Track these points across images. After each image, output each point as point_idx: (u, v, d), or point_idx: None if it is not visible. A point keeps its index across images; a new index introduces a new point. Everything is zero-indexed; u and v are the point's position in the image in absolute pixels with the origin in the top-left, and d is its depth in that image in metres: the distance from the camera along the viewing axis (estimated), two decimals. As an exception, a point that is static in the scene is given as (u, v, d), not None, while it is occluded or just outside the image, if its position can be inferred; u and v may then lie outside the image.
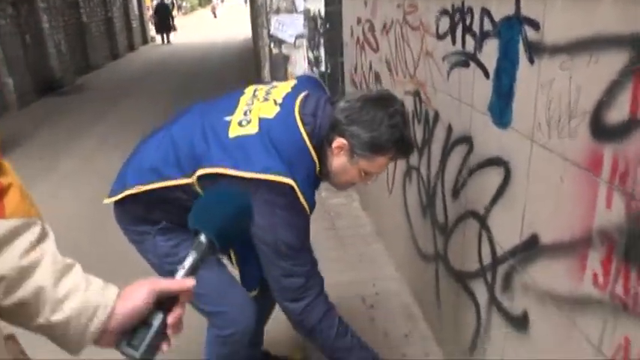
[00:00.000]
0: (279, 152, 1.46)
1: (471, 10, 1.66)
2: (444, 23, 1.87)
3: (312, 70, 3.78)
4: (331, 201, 3.84)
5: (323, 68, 3.78)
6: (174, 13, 18.93)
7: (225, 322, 1.75)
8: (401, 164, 2.58)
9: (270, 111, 1.55)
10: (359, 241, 3.27)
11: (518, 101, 1.43)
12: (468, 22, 1.68)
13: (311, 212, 1.54)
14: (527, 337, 1.49)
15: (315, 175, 1.56)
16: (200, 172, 1.50)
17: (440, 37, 1.92)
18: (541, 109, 1.31)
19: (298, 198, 1.47)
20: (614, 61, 1.03)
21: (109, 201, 1.71)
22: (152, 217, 1.69)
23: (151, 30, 19.25)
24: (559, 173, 1.26)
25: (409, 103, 2.34)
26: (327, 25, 3.71)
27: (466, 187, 1.82)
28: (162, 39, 18.30)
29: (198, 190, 1.53)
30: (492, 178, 1.60)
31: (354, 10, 3.28)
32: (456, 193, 1.92)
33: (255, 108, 1.57)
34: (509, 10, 1.42)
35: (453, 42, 1.81)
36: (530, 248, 1.43)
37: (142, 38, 18.35)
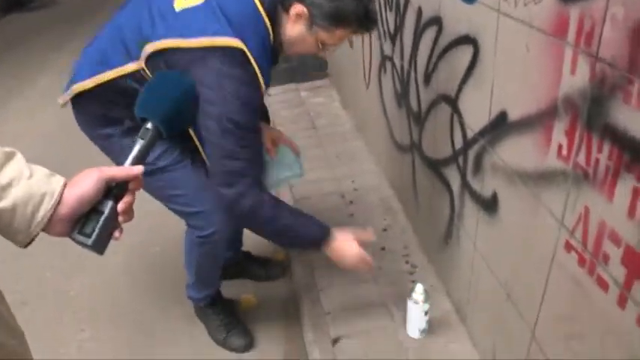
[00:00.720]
0: (228, 18, 1.38)
1: None
2: None
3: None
4: (311, 100, 3.77)
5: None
6: None
7: (204, 221, 1.74)
8: (376, 55, 2.48)
9: None
10: (339, 139, 3.23)
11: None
12: None
13: (266, 87, 1.46)
14: (498, 219, 1.48)
15: (270, 46, 1.47)
16: (147, 50, 1.42)
17: None
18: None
19: (250, 65, 1.38)
20: None
21: (63, 100, 1.63)
22: (113, 115, 1.62)
23: None
24: (525, 42, 1.19)
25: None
26: None
27: (437, 71, 1.75)
28: None
29: (150, 75, 1.46)
30: (462, 58, 1.53)
31: None
32: (427, 78, 1.85)
33: None
34: None
35: None
36: (499, 126, 1.38)
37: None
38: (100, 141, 1.71)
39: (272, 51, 1.49)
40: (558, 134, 1.12)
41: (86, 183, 0.79)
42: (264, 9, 1.42)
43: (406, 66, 2.05)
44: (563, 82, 1.07)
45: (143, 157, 0.89)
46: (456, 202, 1.78)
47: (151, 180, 1.60)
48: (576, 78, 1.03)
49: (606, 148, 0.97)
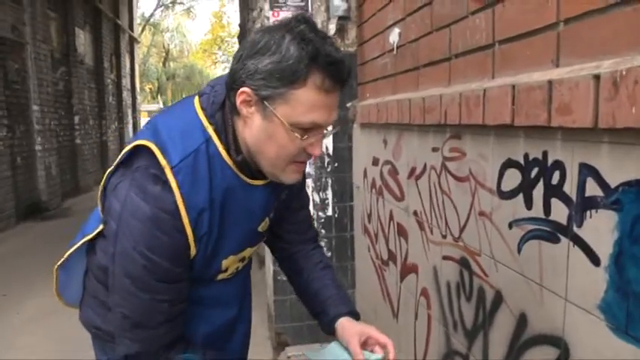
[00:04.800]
0: (156, 128, 1.17)
1: (560, 166, 1.23)
2: (511, 178, 1.45)
3: (317, 214, 3.31)
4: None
5: (330, 212, 3.34)
6: None
7: None
8: (437, 342, 2.03)
9: None
10: None
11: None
12: (554, 180, 1.25)
13: (196, 232, 1.16)
14: None
15: (225, 161, 1.17)
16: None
17: (503, 195, 1.49)
18: None
19: (164, 176, 1.10)
20: None
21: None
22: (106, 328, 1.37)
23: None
24: None
25: (451, 272, 1.86)
26: (336, 164, 3.32)
27: (556, 408, 1.29)
28: None
29: None
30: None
31: (370, 148, 2.91)
32: (535, 409, 1.37)
33: None
34: (638, 170, 0.99)
35: (528, 204, 1.36)
36: None
37: (136, 161, 18.57)
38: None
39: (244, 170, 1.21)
40: None
41: None
42: (206, 116, 1.18)
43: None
44: None
45: None
46: None
47: None
48: None
49: None
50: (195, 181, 1.13)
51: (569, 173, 1.21)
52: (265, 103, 1.09)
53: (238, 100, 1.12)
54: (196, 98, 1.22)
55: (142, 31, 27.58)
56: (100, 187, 1.26)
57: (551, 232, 1.27)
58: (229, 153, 1.18)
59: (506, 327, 1.50)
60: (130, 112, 18.25)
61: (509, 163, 1.46)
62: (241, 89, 1.10)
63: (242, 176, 1.21)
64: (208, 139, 1.16)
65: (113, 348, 1.25)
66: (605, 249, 1.09)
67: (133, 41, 19.18)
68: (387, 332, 2.62)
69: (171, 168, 1.10)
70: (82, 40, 12.35)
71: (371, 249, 2.96)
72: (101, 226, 1.28)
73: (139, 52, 23.07)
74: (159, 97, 33.53)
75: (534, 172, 1.34)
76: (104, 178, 1.24)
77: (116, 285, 1.16)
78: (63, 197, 10.39)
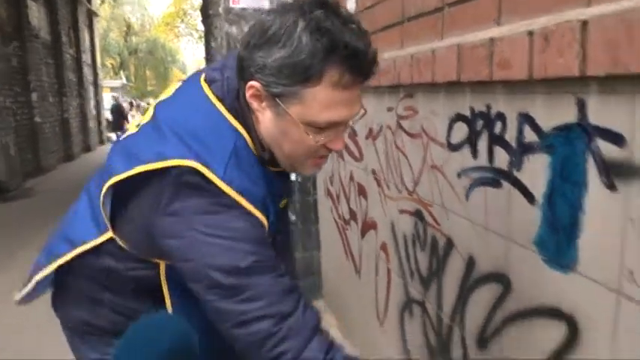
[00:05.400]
0: (175, 132, 1.03)
1: (502, 117, 1.33)
2: (459, 131, 1.55)
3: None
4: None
5: (293, 177, 3.42)
6: (133, 112, 19.52)
7: None
8: (397, 293, 2.16)
9: (169, 91, 1.18)
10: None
11: (588, 238, 1.06)
12: (497, 130, 1.36)
13: (266, 216, 1.06)
14: None
15: (253, 154, 1.08)
16: (101, 198, 1.11)
17: (452, 147, 1.59)
18: (633, 251, 0.94)
19: (222, 192, 0.99)
20: None
21: (20, 297, 1.31)
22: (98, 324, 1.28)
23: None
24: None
25: (407, 225, 1.97)
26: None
27: (500, 339, 1.41)
28: (118, 137, 19.10)
29: (123, 243, 1.15)
30: (547, 331, 1.21)
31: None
32: (483, 342, 1.50)
33: (158, 99, 1.21)
34: (567, 115, 1.10)
35: (474, 154, 1.47)
36: None
37: (99, 138, 18.27)
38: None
39: (268, 160, 1.11)
40: None
41: None
42: (225, 106, 1.06)
43: (447, 319, 1.71)
44: None
45: None
46: None
47: None
48: None
49: None
50: (244, 175, 1.04)
51: (510, 123, 1.31)
52: (277, 101, 0.99)
53: (248, 93, 1.03)
54: (205, 85, 1.11)
55: (102, 3, 26.83)
56: (104, 192, 1.12)
57: (495, 178, 1.37)
58: (255, 148, 1.10)
59: (457, 271, 1.61)
60: (91, 88, 17.87)
61: (457, 118, 1.56)
62: (250, 83, 1.01)
63: (268, 168, 1.14)
64: (238, 136, 1.07)
65: (108, 342, 1.20)
66: (539, 189, 1.20)
67: (91, 14, 18.67)
68: (350, 290, 2.74)
69: (222, 179, 1.00)
70: (36, 12, 11.95)
71: (333, 210, 3.06)
72: (106, 236, 1.18)
73: (99, 26, 22.48)
74: (121, 72, 32.84)
75: (479, 124, 1.44)
76: (110, 183, 1.10)
77: (218, 297, 1.01)
78: (24, 177, 10.18)
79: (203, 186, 0.99)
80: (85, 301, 1.28)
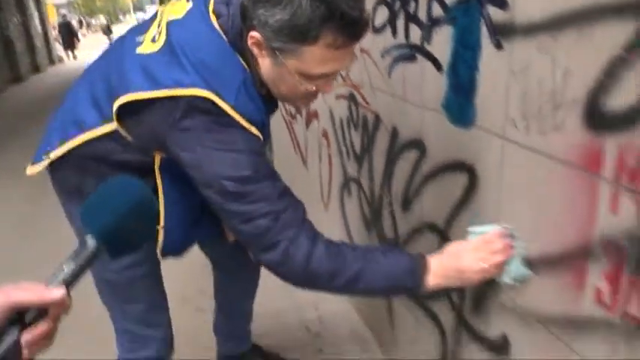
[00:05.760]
0: (190, 60, 1.16)
1: (414, -4, 1.46)
2: (381, 14, 1.67)
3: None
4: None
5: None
6: (84, 31, 18.77)
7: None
8: (338, 175, 2.35)
9: (180, 10, 1.26)
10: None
11: (482, 95, 1.23)
12: (411, 9, 1.48)
13: (264, 136, 1.24)
14: (508, 363, 1.29)
15: (255, 87, 1.23)
16: (114, 107, 1.22)
17: (377, 30, 1.72)
18: (515, 100, 1.12)
19: (228, 116, 1.15)
20: (615, 34, 0.85)
21: (31, 172, 1.41)
22: (87, 190, 1.36)
23: (59, 49, 19.09)
24: (542, 174, 1.06)
25: (343, 109, 2.12)
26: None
27: (420, 198, 1.62)
28: (68, 56, 18.81)
29: (127, 136, 1.28)
30: (453, 185, 1.40)
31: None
32: (406, 204, 1.71)
33: (166, 12, 1.28)
34: (465, -10, 1.23)
35: (394, 34, 1.60)
36: (506, 262, 1.23)
37: (49, 58, 17.45)
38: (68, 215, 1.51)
39: (264, 94, 1.26)
40: (595, 278, 0.97)
41: None
42: (231, 42, 1.20)
43: (378, 189, 1.91)
44: (601, 220, 0.94)
45: (75, 278, 0.72)
46: (449, 340, 1.59)
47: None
48: (620, 218, 0.89)
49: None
50: (249, 102, 1.19)
51: (421, 1, 1.44)
52: (276, 52, 1.12)
53: (250, 41, 1.14)
54: (213, 18, 1.21)
55: None
56: (122, 101, 1.22)
57: (411, 53, 1.52)
58: (255, 83, 1.23)
59: (383, 144, 1.79)
60: (32, 4, 16.78)
61: (380, 1, 1.68)
62: (252, 33, 1.12)
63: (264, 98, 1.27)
64: (244, 71, 1.20)
65: None
66: (445, 58, 1.35)
67: None
68: (300, 182, 2.92)
69: (231, 106, 1.15)
70: None
71: (282, 108, 3.20)
72: (111, 126, 1.29)
73: None
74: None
75: (397, 5, 1.57)
76: (132, 98, 1.20)
77: (229, 201, 1.19)
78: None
79: (212, 110, 1.14)
80: (81, 167, 1.40)
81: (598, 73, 0.89)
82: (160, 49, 1.21)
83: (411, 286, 1.22)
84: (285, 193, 1.24)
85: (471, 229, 1.27)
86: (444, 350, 1.63)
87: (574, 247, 1.01)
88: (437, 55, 1.39)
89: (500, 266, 1.19)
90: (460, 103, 1.31)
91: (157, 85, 1.16)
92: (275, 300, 2.57)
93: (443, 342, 1.63)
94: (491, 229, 1.22)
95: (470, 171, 1.33)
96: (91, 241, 0.73)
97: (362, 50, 1.85)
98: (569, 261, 1.04)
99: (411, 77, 1.54)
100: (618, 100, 0.87)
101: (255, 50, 1.17)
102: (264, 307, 2.49)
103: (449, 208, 1.44)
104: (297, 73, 1.14)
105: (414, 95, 1.54)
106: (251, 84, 1.21)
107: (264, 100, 1.26)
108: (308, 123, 2.67)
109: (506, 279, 1.20)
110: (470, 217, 1.35)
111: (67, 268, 0.71)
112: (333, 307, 2.54)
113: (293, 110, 2.91)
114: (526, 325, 1.20)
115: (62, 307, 0.69)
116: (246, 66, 1.21)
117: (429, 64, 1.43)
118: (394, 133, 1.71)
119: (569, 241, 1.02)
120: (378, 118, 1.82)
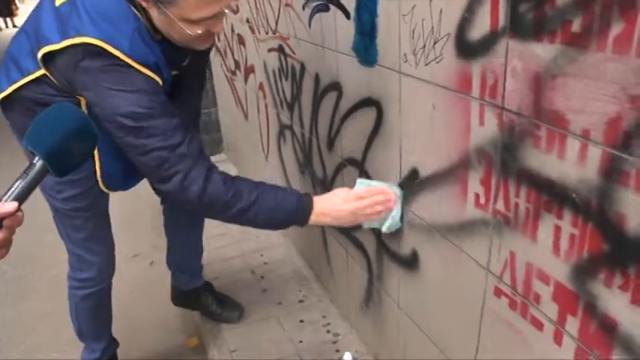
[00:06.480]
0: (88, 12, 1.31)
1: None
2: (300, -30, 1.80)
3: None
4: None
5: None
6: None
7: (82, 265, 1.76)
8: (274, 125, 2.49)
9: None
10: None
11: (381, 36, 1.39)
12: (323, -37, 1.62)
13: (163, 77, 1.39)
14: (420, 275, 1.48)
15: (150, 34, 1.37)
16: (38, 56, 1.38)
17: (298, -15, 1.85)
18: (405, 39, 1.28)
19: (121, 60, 1.30)
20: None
21: None
22: None
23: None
24: (430, 100, 1.24)
25: (274, 61, 2.26)
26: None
27: (340, 136, 1.78)
28: (6, 24, 17.83)
29: (54, 80, 1.43)
30: (365, 120, 1.57)
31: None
32: (331, 143, 1.87)
33: None
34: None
35: (311, -13, 1.74)
36: (412, 184, 1.41)
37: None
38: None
39: (163, 42, 1.40)
40: (474, 184, 1.16)
41: None
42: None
43: (307, 134, 2.07)
44: (473, 134, 1.12)
45: (26, 194, 0.84)
46: (374, 264, 1.78)
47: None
48: (486, 129, 1.08)
49: (523, 191, 1.01)
50: (143, 48, 1.33)
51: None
52: (158, 3, 1.27)
53: None
54: None
55: None
56: (42, 53, 1.37)
57: (325, 4, 1.66)
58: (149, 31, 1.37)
59: (309, 90, 1.95)
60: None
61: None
62: None
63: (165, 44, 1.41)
64: (137, 19, 1.34)
65: None
66: (352, 6, 1.50)
67: None
68: (242, 137, 3.04)
69: (125, 53, 1.29)
70: None
71: (223, 65, 3.31)
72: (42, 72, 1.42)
73: None
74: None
75: (312, -42, 1.70)
76: (47, 50, 1.35)
77: (126, 134, 1.34)
78: None
79: (105, 54, 1.29)
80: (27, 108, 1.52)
81: (463, 10, 1.06)
82: (67, 2, 1.35)
83: (295, 220, 1.45)
84: (180, 128, 1.38)
85: (359, 179, 1.51)
86: (369, 275, 1.82)
87: (457, 160, 1.20)
88: (345, 4, 1.54)
89: (375, 215, 1.45)
90: (365, 45, 1.47)
91: (64, 35, 1.31)
92: (224, 249, 2.74)
93: (369, 268, 1.82)
94: (378, 185, 1.47)
95: (377, 105, 1.49)
96: (37, 161, 0.85)
97: (287, 4, 1.98)
98: (455, 172, 1.22)
99: (327, 26, 1.68)
100: (477, 31, 1.04)
101: (143, 3, 1.31)
102: (213, 254, 2.66)
103: (364, 141, 1.61)
104: (179, 20, 1.29)
105: (330, 42, 1.69)
106: (145, 32, 1.36)
107: (168, 48, 1.41)
108: (246, 78, 2.80)
109: (383, 229, 1.49)
110: (377, 152, 1.53)
111: (18, 186, 0.83)
112: (277, 252, 2.72)
113: (233, 66, 3.02)
114: (429, 237, 1.39)
115: (15, 219, 0.82)
116: (140, 15, 1.35)
117: (339, 13, 1.57)
118: (317, 79, 1.86)
119: (453, 155, 1.21)
120: (303, 67, 1.96)
